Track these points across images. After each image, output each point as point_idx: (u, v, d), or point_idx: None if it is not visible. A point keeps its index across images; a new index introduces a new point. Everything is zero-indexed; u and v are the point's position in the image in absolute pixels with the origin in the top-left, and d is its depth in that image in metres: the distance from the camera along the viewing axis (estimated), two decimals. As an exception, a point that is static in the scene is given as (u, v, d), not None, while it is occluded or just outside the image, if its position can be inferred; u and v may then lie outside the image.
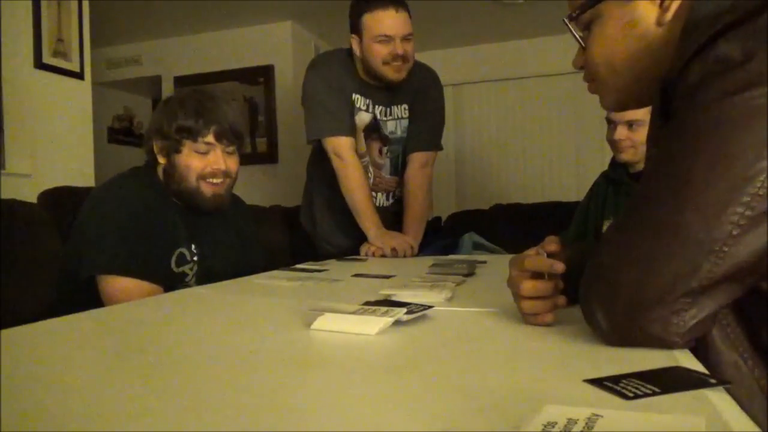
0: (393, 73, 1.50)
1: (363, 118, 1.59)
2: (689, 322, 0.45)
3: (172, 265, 1.08)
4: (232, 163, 1.13)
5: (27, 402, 0.38)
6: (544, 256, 0.59)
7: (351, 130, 1.54)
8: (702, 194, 0.44)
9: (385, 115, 1.61)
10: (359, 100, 1.57)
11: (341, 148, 1.53)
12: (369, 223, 1.51)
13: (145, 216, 1.04)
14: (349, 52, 1.58)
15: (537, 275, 0.58)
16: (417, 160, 1.63)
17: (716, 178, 0.44)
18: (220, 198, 1.12)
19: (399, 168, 1.66)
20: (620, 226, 0.51)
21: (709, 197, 0.44)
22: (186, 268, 1.10)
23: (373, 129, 1.60)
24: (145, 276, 1.00)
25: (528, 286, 0.58)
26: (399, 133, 1.63)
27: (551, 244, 0.61)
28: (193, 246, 1.12)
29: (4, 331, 0.57)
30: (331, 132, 1.53)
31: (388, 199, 1.69)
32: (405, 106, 1.62)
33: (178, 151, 1.08)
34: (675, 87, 0.50)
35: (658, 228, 0.46)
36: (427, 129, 1.65)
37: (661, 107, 0.54)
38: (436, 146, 1.67)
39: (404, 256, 1.47)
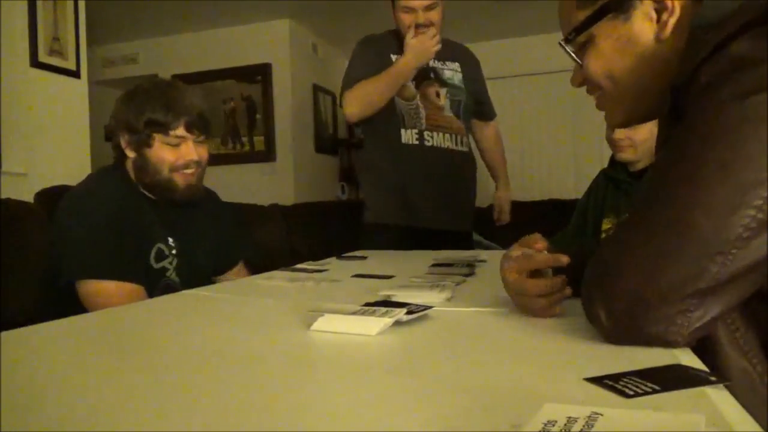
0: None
1: None
2: (694, 323, 0.45)
3: (151, 261, 1.07)
4: (203, 151, 1.12)
5: (27, 402, 0.38)
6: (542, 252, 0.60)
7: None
8: (713, 195, 0.43)
9: (441, 64, 1.79)
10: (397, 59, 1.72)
11: (355, 85, 1.72)
12: (392, 67, 1.66)
13: (119, 215, 1.03)
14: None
15: (535, 273, 0.59)
16: (492, 126, 1.98)
17: (728, 179, 0.43)
18: (193, 188, 1.11)
19: (461, 113, 1.80)
20: (626, 224, 0.51)
21: (720, 199, 0.43)
22: (165, 263, 1.09)
23: (425, 76, 1.74)
24: (124, 276, 0.99)
25: (540, 284, 0.59)
26: (456, 81, 1.80)
27: (538, 242, 0.62)
28: (170, 240, 1.10)
29: (4, 333, 0.56)
30: (345, 88, 1.74)
31: (456, 143, 1.78)
32: (457, 64, 1.82)
33: (149, 145, 1.07)
34: (686, 90, 0.49)
35: (666, 228, 0.45)
36: (488, 100, 1.94)
37: (671, 112, 0.54)
38: (495, 113, 1.99)
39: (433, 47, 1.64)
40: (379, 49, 1.76)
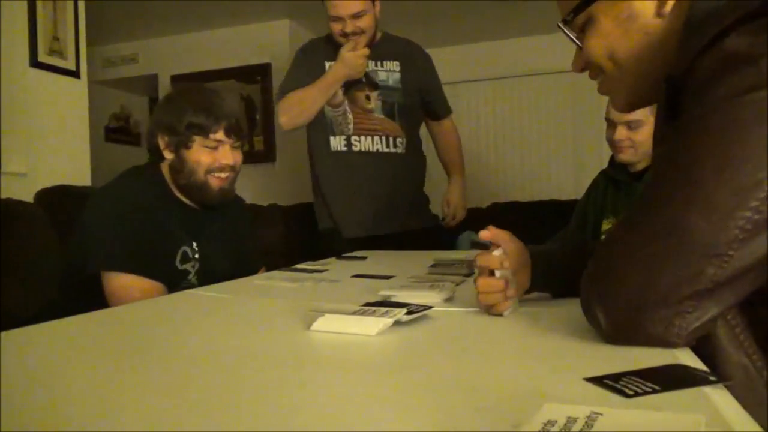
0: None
1: None
2: (692, 324, 0.45)
3: (177, 262, 1.09)
4: (238, 157, 1.16)
5: (27, 402, 0.38)
6: (500, 253, 0.63)
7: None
8: (709, 197, 0.43)
9: (376, 65, 1.77)
10: (332, 65, 1.74)
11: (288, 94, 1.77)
12: (322, 77, 1.69)
13: (148, 213, 1.05)
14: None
15: (492, 271, 0.63)
16: (446, 125, 1.92)
17: (724, 181, 0.43)
18: (226, 192, 1.15)
19: (396, 114, 1.77)
20: (625, 225, 0.51)
21: (716, 201, 0.43)
22: (188, 266, 1.11)
23: (355, 81, 1.74)
24: (147, 273, 1.01)
25: (481, 283, 0.63)
26: (390, 82, 1.78)
27: (503, 240, 0.65)
28: (194, 244, 1.13)
29: (4, 333, 0.56)
30: (279, 97, 1.79)
31: (389, 145, 1.77)
32: (396, 62, 1.79)
33: (187, 147, 1.10)
34: (683, 84, 0.49)
35: (663, 230, 0.45)
36: (438, 99, 1.87)
37: (667, 105, 0.53)
38: (450, 109, 1.92)
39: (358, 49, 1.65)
40: (313, 56, 1.78)
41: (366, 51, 1.66)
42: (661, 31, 0.55)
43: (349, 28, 1.67)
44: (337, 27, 1.70)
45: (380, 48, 1.76)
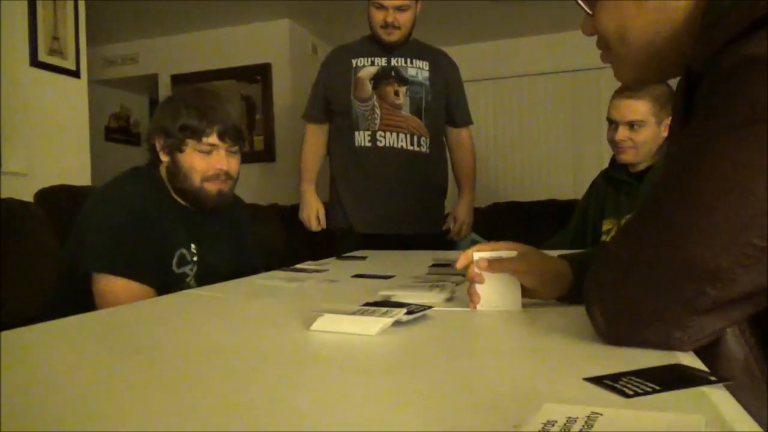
0: (385, 36, 1.75)
1: (368, 70, 1.80)
2: (694, 336, 0.45)
3: (174, 266, 1.08)
4: (234, 163, 1.14)
5: (27, 402, 0.38)
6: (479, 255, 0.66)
7: (317, 119, 1.89)
8: (712, 222, 0.41)
9: (405, 63, 1.81)
10: (360, 61, 1.80)
11: (307, 129, 1.93)
12: (303, 183, 1.91)
13: (144, 216, 1.04)
14: None
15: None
16: (464, 135, 1.93)
17: (729, 206, 0.41)
18: (223, 196, 1.13)
19: (423, 113, 1.80)
20: (628, 236, 0.49)
21: (720, 225, 0.41)
22: (186, 269, 1.10)
23: (385, 75, 1.78)
24: (137, 277, 0.99)
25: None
26: (420, 78, 1.81)
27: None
28: (192, 246, 1.12)
29: (4, 333, 0.56)
30: (306, 118, 1.92)
31: (414, 144, 1.77)
32: (426, 62, 1.82)
33: (181, 150, 1.09)
34: (701, 79, 0.46)
35: (666, 251, 0.44)
36: (460, 105, 1.91)
37: (685, 97, 0.51)
38: (470, 120, 1.98)
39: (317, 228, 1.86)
40: (336, 64, 1.82)
41: (316, 227, 1.86)
42: (682, 8, 0.50)
43: (390, 18, 1.70)
44: (379, 16, 1.71)
45: (411, 48, 1.79)
